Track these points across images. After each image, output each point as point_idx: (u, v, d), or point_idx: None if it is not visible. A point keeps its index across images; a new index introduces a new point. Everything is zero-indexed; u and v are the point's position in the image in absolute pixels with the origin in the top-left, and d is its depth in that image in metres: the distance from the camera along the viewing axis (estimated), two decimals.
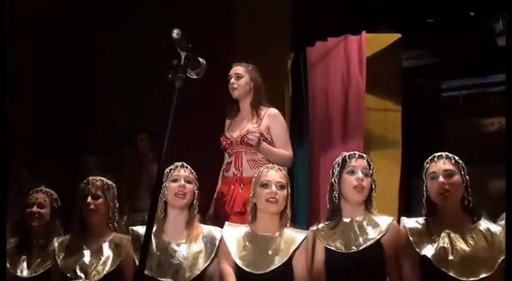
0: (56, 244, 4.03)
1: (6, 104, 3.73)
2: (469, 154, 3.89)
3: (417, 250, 3.66)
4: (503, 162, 3.51)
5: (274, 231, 3.89)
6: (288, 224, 3.93)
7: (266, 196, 3.86)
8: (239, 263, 3.81)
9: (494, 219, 3.84)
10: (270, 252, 3.83)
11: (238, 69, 4.78)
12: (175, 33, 2.53)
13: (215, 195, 4.64)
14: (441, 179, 3.67)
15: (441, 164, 3.72)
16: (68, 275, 3.91)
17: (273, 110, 4.74)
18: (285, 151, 4.65)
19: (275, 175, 3.93)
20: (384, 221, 3.83)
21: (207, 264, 3.87)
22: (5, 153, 3.72)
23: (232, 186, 4.56)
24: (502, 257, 3.61)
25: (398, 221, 3.90)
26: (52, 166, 6.46)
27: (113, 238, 4.05)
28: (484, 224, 3.73)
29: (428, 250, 3.65)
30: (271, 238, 3.88)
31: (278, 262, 3.81)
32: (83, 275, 3.91)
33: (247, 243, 3.87)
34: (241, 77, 4.74)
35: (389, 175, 5.35)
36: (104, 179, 4.13)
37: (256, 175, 4.00)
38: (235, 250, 3.85)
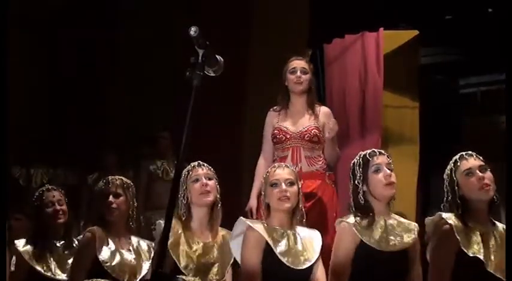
0: (97, 235, 3.97)
1: (7, 104, 3.73)
2: (487, 151, 3.87)
3: (464, 249, 3.58)
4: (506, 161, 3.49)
5: (289, 227, 3.89)
6: (303, 221, 3.90)
7: (277, 195, 3.84)
8: (282, 258, 3.75)
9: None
10: (299, 247, 3.82)
11: (302, 63, 4.76)
12: (192, 31, 2.53)
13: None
14: (479, 174, 3.64)
15: (473, 160, 3.68)
16: (108, 271, 3.90)
17: (327, 109, 4.79)
18: (337, 148, 4.72)
19: (283, 172, 3.91)
20: (412, 226, 3.81)
21: (231, 262, 3.87)
22: (5, 153, 3.73)
23: None
24: None
25: (417, 219, 3.87)
26: (70, 164, 6.50)
27: (135, 237, 4.07)
28: (500, 224, 3.71)
29: (475, 251, 3.54)
30: (291, 233, 3.86)
31: (312, 258, 3.80)
32: (121, 274, 3.91)
33: (277, 237, 3.80)
34: (306, 72, 4.73)
35: (407, 172, 5.33)
36: (123, 178, 4.15)
37: (264, 176, 3.97)
38: (273, 245, 3.77)
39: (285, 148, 4.66)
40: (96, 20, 6.98)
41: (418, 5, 5.76)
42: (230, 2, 6.40)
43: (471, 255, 3.52)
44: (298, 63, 4.74)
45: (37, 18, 6.83)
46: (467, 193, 3.65)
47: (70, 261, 4.12)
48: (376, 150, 3.85)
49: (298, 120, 4.71)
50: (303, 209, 3.95)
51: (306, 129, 4.65)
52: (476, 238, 3.58)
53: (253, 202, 4.60)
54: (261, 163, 4.73)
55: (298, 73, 4.70)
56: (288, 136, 4.65)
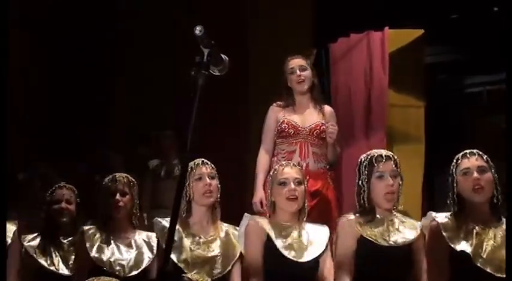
0: (86, 235, 4.04)
1: (7, 104, 3.74)
2: (493, 150, 3.87)
3: (451, 245, 3.65)
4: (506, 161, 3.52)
5: (295, 223, 3.90)
6: (304, 219, 3.92)
7: (286, 194, 3.85)
8: (284, 252, 3.79)
9: None
10: (304, 242, 3.84)
11: (300, 61, 4.75)
12: (197, 30, 2.52)
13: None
14: (475, 175, 3.66)
15: (474, 160, 3.71)
16: (105, 268, 3.93)
17: (330, 108, 4.80)
18: (338, 148, 4.72)
19: (291, 171, 3.92)
20: (415, 224, 3.83)
21: (237, 256, 3.89)
22: (5, 153, 3.74)
23: None
24: None
25: (422, 217, 3.90)
26: (70, 163, 6.50)
27: (139, 234, 4.10)
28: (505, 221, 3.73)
29: (464, 246, 3.63)
30: (298, 228, 3.89)
31: (316, 251, 3.83)
32: (119, 268, 3.94)
33: (279, 233, 3.85)
34: (305, 69, 4.73)
35: (412, 171, 5.32)
36: (128, 176, 4.17)
37: (272, 173, 3.99)
38: (275, 239, 3.82)
39: (292, 142, 4.65)
40: (96, 19, 6.98)
41: (423, 4, 5.76)
42: (233, 2, 6.39)
43: (458, 250, 3.59)
44: (296, 62, 4.74)
45: (37, 18, 6.83)
46: (462, 191, 3.71)
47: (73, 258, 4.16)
48: (384, 154, 3.83)
49: (306, 116, 4.71)
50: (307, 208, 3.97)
51: (314, 125, 4.65)
52: (469, 234, 3.63)
53: (260, 193, 4.56)
54: (262, 154, 4.69)
55: (298, 72, 4.70)
56: (296, 130, 4.65)
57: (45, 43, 7.02)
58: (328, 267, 3.85)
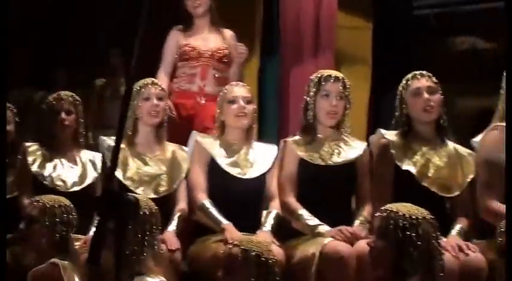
0: (28, 150, 3.99)
1: (5, 103, 3.70)
2: (439, 72, 3.90)
3: (398, 163, 3.71)
4: (474, 80, 3.55)
5: (244, 143, 3.96)
6: (254, 138, 4.02)
7: (235, 111, 3.90)
8: (226, 168, 3.86)
9: (459, 137, 3.90)
10: (251, 159, 3.90)
11: None
12: None
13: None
14: (426, 95, 3.72)
15: (424, 81, 3.77)
16: (45, 182, 3.91)
17: (230, 32, 4.81)
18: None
19: (241, 90, 3.98)
20: (359, 145, 3.91)
21: (182, 176, 3.90)
22: (5, 153, 3.69)
23: (199, 99, 4.57)
24: (471, 176, 3.69)
25: (367, 139, 3.96)
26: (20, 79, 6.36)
27: (84, 152, 4.08)
28: (451, 144, 3.82)
29: (410, 165, 3.70)
30: (245, 147, 3.95)
31: (262, 168, 3.91)
32: (61, 184, 3.93)
33: (226, 151, 3.92)
34: None
35: (358, 92, 5.32)
36: (74, 94, 4.12)
37: (222, 93, 4.03)
38: (217, 157, 3.90)
39: (194, 65, 4.66)
40: None
41: None
42: None
43: (404, 169, 3.67)
44: None
45: None
46: (412, 112, 3.76)
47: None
48: (332, 75, 3.90)
49: (207, 39, 4.73)
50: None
51: (216, 48, 4.68)
52: (415, 154, 3.71)
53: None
54: (162, 77, 4.66)
55: None
56: (200, 54, 4.66)
57: None
58: (274, 185, 3.90)
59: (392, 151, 3.74)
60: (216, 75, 4.66)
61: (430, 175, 3.70)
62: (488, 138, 3.62)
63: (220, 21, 4.80)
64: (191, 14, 4.75)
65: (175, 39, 4.73)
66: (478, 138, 3.74)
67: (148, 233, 3.01)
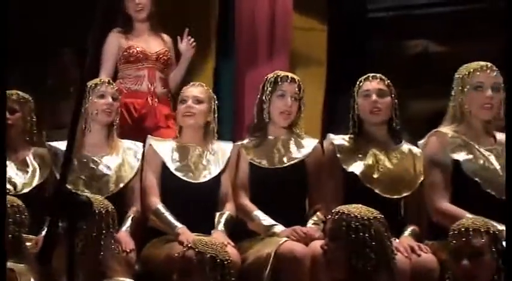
0: None
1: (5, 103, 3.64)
2: (392, 75, 3.94)
3: (344, 166, 3.74)
4: (426, 83, 3.60)
5: (200, 144, 3.93)
6: (214, 138, 4.01)
7: (183, 110, 3.92)
8: (177, 173, 3.87)
9: (413, 139, 3.94)
10: (204, 162, 3.89)
11: None
12: None
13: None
14: (374, 97, 3.75)
15: (375, 83, 3.80)
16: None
17: (168, 36, 4.84)
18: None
19: (194, 90, 3.99)
20: (310, 142, 3.94)
21: (131, 176, 3.89)
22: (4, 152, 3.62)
23: (150, 100, 4.57)
24: (422, 178, 3.74)
25: (322, 139, 3.98)
26: None
27: (35, 151, 4.02)
28: (405, 145, 3.85)
29: (355, 167, 3.73)
30: (201, 149, 3.94)
31: (214, 171, 3.90)
32: (11, 188, 3.86)
33: (178, 154, 3.92)
34: None
35: (313, 94, 5.37)
36: (19, 92, 4.06)
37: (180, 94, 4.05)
38: (169, 162, 3.89)
39: (140, 67, 4.67)
40: None
41: None
42: None
43: (349, 171, 3.72)
44: None
45: None
46: (361, 113, 3.79)
47: None
48: (290, 76, 3.96)
49: (150, 43, 4.76)
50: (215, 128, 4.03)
51: (162, 51, 4.73)
52: (365, 156, 3.73)
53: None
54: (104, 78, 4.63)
55: (137, 0, 4.69)
56: (146, 56, 4.68)
57: None
58: (228, 187, 3.91)
59: (339, 155, 3.77)
60: (161, 77, 4.71)
61: (375, 176, 3.72)
62: (429, 142, 3.72)
63: (159, 26, 4.83)
64: (131, 16, 4.75)
65: (116, 42, 4.71)
66: (422, 142, 3.80)
67: (104, 232, 2.98)
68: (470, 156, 3.60)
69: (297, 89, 3.90)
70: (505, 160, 3.13)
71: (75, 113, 2.38)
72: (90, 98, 3.88)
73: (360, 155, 3.77)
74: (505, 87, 3.57)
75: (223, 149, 3.98)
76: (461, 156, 3.60)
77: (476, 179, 3.56)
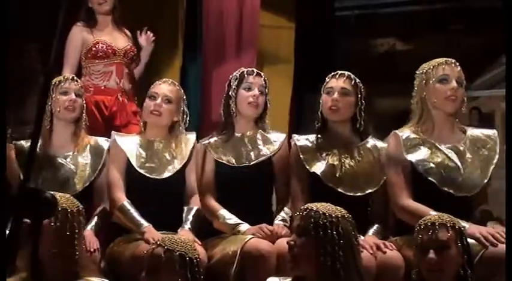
0: None
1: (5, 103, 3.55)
2: (359, 73, 3.95)
3: (307, 167, 3.74)
4: (392, 81, 3.61)
5: (165, 139, 3.94)
6: (180, 134, 3.97)
7: (151, 107, 3.87)
8: (141, 170, 3.84)
9: (380, 138, 3.95)
10: (168, 157, 3.87)
11: None
12: None
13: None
14: (335, 95, 3.74)
15: (341, 81, 3.79)
16: None
17: (129, 32, 4.83)
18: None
19: (165, 88, 3.92)
20: (277, 138, 3.92)
21: (96, 174, 3.86)
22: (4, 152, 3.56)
23: (119, 96, 4.54)
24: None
25: (289, 137, 3.98)
26: None
27: None
28: (371, 141, 3.85)
29: (317, 167, 3.73)
30: (165, 142, 3.91)
31: (178, 165, 3.87)
32: None
33: (143, 150, 3.89)
34: None
35: (281, 91, 5.39)
36: None
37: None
38: (133, 158, 3.86)
39: (109, 63, 4.64)
40: None
41: None
42: None
43: (311, 171, 3.71)
44: None
45: None
46: (322, 110, 3.77)
47: None
48: (255, 70, 3.94)
49: (116, 38, 4.72)
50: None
51: (129, 47, 4.72)
52: (328, 155, 3.73)
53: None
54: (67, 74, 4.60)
55: None
56: (115, 52, 4.65)
57: None
58: (193, 180, 3.90)
59: (302, 156, 3.77)
60: (127, 73, 4.69)
61: (337, 175, 3.72)
62: (388, 143, 3.76)
63: (121, 21, 4.79)
64: (93, 10, 4.70)
65: (80, 35, 4.65)
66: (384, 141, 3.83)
67: (77, 231, 2.94)
68: (426, 155, 3.61)
69: (263, 82, 3.90)
70: (506, 162, 3.15)
71: (39, 110, 2.35)
72: (54, 95, 3.85)
73: (323, 155, 3.77)
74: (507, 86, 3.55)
75: (186, 140, 3.95)
76: (415, 156, 3.62)
77: (430, 178, 3.57)
